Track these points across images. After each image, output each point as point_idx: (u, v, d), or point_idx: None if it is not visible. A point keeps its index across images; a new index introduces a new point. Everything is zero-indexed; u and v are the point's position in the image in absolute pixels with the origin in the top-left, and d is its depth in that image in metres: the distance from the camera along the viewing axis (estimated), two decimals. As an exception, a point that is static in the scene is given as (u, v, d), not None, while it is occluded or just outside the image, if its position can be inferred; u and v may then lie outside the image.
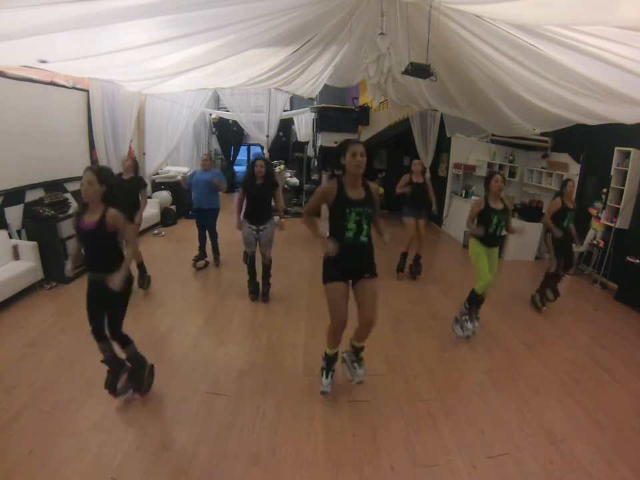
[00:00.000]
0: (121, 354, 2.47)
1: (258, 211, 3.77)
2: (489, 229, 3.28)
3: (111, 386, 2.39)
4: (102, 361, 2.41)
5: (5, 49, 2.61)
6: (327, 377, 2.56)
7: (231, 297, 4.12)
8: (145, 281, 4.13)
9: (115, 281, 2.16)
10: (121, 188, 3.46)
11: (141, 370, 2.49)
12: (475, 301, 3.38)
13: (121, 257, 2.29)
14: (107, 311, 2.31)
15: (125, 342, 2.41)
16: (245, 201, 3.83)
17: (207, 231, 4.83)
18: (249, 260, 3.97)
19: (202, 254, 4.88)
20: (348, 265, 2.34)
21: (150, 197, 6.50)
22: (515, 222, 3.41)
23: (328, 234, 2.37)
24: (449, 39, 3.04)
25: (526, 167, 6.96)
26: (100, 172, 2.24)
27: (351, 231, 2.29)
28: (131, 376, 2.47)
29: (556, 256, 4.05)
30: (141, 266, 4.12)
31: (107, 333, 2.35)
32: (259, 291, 4.06)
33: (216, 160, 10.55)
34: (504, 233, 3.39)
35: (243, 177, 3.92)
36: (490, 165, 7.13)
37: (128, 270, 2.27)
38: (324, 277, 2.40)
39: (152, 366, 2.58)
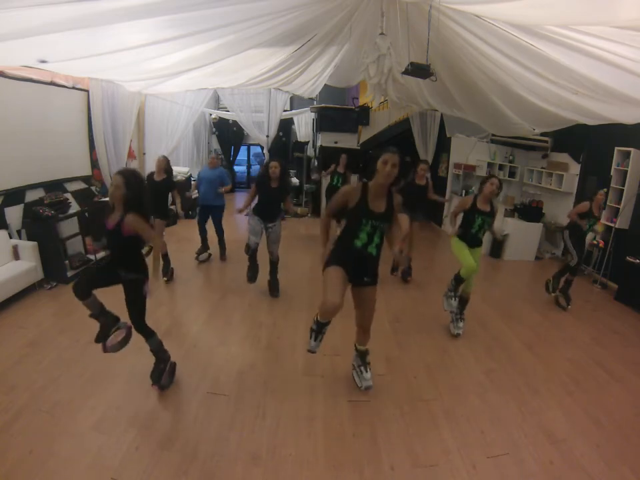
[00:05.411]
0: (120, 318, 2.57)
1: (268, 211, 3.85)
2: (471, 230, 3.32)
3: (101, 339, 2.48)
4: (90, 316, 2.47)
5: (5, 49, 2.61)
6: (315, 340, 2.41)
7: (231, 296, 4.12)
8: (168, 272, 4.36)
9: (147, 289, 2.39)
10: (152, 189, 3.54)
11: (162, 364, 2.56)
12: (460, 282, 3.43)
13: (139, 257, 2.44)
14: (127, 307, 2.40)
15: (148, 335, 2.49)
16: (256, 198, 3.91)
17: (206, 226, 5.03)
18: (251, 252, 3.95)
19: (204, 247, 5.10)
20: (349, 267, 2.31)
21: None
22: (497, 225, 3.49)
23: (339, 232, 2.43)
24: (449, 39, 3.03)
25: (526, 166, 6.95)
26: (128, 176, 2.30)
27: (360, 241, 2.29)
28: (153, 369, 2.55)
29: (577, 250, 4.13)
30: (165, 257, 4.37)
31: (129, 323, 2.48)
32: (256, 277, 4.10)
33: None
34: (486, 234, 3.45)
35: (257, 176, 3.97)
36: (490, 165, 7.12)
37: (155, 270, 2.44)
38: (324, 266, 2.35)
39: (174, 364, 2.69)
